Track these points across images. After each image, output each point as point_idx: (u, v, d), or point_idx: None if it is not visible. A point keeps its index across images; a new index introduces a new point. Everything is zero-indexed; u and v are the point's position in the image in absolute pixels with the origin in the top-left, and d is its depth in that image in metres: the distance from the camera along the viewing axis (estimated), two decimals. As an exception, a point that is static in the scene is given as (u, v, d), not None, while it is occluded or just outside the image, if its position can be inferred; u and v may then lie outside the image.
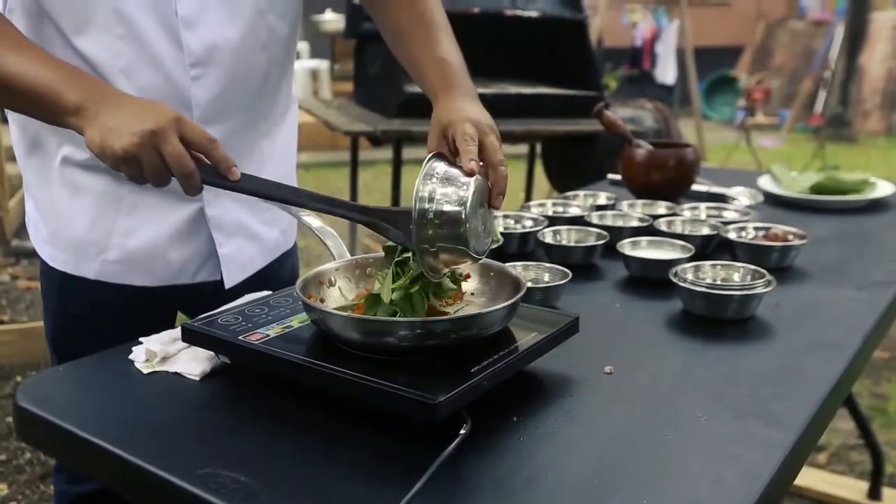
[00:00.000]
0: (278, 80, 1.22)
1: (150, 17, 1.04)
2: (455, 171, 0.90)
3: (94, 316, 1.20)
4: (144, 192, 1.14)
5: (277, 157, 1.28)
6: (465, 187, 0.87)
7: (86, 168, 1.13)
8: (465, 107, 1.07)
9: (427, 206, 0.86)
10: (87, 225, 1.15)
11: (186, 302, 1.24)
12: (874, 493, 2.27)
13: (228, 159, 0.93)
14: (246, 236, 1.24)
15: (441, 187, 0.87)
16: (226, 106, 1.13)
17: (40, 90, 0.93)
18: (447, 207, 0.86)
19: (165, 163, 0.90)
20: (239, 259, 1.23)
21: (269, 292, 1.06)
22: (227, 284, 1.22)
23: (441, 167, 0.90)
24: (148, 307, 1.19)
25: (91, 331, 1.19)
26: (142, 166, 0.90)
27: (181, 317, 1.21)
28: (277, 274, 1.32)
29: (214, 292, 1.20)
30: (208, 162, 0.92)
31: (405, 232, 0.89)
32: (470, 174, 0.90)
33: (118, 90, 0.98)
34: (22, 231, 4.02)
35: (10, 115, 1.15)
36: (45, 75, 0.93)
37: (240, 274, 1.24)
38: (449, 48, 1.20)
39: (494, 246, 1.28)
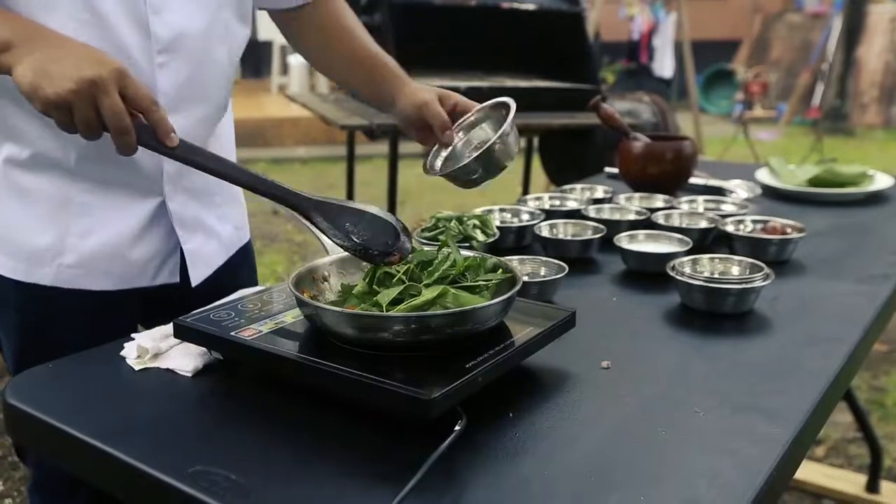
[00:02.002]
0: (230, 79, 1.21)
1: (117, 3, 1.01)
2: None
3: (55, 327, 1.13)
4: (98, 190, 1.10)
5: (228, 156, 1.28)
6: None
7: (32, 168, 1.08)
8: (432, 88, 1.26)
9: (498, 146, 1.13)
10: (38, 229, 1.09)
11: (147, 309, 1.20)
12: (872, 486, 2.27)
13: (168, 123, 0.90)
14: (205, 232, 1.21)
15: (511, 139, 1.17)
16: (190, 96, 1.11)
17: None
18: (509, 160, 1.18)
19: (100, 116, 0.86)
20: (202, 255, 1.20)
21: (261, 287, 1.05)
22: (194, 282, 1.19)
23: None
24: (109, 315, 1.14)
25: (55, 344, 1.07)
26: (73, 115, 0.86)
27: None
28: (235, 271, 1.29)
29: (175, 296, 1.17)
30: (145, 122, 0.89)
31: (340, 228, 0.93)
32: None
33: (58, 33, 0.92)
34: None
35: None
36: None
37: (205, 270, 1.21)
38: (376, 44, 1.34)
39: (490, 240, 1.28)
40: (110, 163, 1.05)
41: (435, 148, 1.24)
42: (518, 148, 1.19)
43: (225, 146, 1.28)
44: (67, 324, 1.14)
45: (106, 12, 1.01)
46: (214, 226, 1.24)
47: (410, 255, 0.94)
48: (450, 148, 1.22)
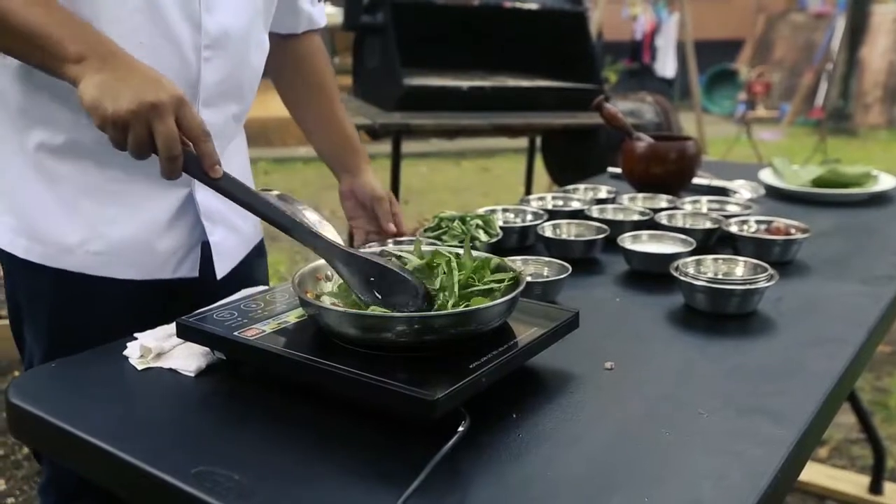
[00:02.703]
0: (255, 86, 1.25)
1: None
2: None
3: (81, 314, 1.14)
4: (128, 179, 1.12)
5: (241, 152, 1.31)
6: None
7: (64, 154, 1.09)
8: (375, 183, 1.42)
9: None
10: (67, 215, 1.10)
11: (167, 302, 1.18)
12: (875, 487, 2.27)
13: (215, 155, 0.92)
14: (228, 226, 1.23)
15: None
16: (228, 92, 1.16)
17: (43, 32, 0.91)
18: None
19: (153, 139, 0.89)
20: (225, 248, 1.22)
21: (264, 287, 1.05)
22: (219, 275, 1.21)
23: None
24: (134, 305, 1.14)
25: (80, 331, 1.10)
26: (128, 135, 0.89)
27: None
28: (252, 268, 1.31)
29: (195, 290, 1.18)
30: (193, 150, 0.92)
31: (362, 279, 0.91)
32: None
33: (126, 53, 0.95)
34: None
35: None
36: (52, 19, 0.92)
37: (228, 263, 1.23)
38: (348, 120, 1.45)
39: (493, 240, 1.28)
40: None
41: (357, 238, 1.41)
42: None
43: (238, 156, 1.31)
44: (92, 311, 1.15)
45: (162, 4, 1.04)
46: (236, 221, 1.25)
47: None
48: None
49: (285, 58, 1.38)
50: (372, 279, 0.91)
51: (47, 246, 1.12)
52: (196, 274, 1.20)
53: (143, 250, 1.15)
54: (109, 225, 1.12)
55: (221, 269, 1.21)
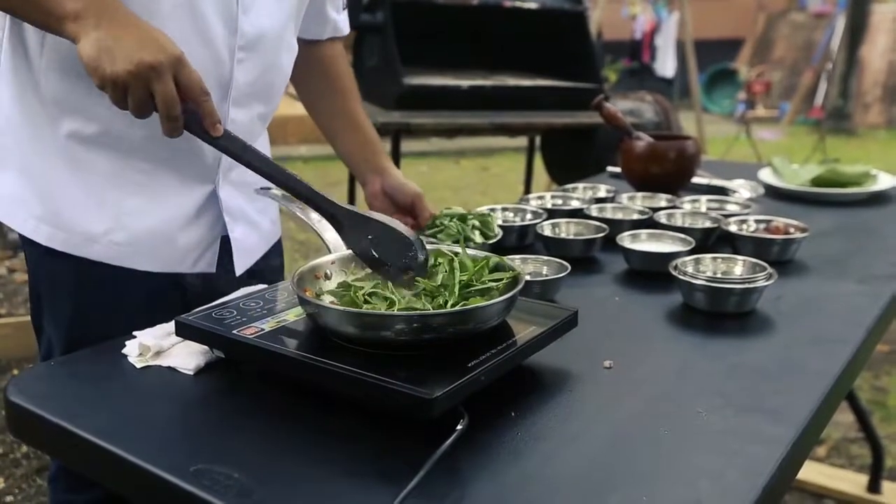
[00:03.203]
0: (283, 88, 1.26)
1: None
2: None
3: (108, 302, 1.14)
4: (156, 172, 1.13)
5: (263, 150, 1.30)
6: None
7: (95, 144, 1.09)
8: (401, 178, 1.40)
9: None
10: (93, 204, 1.11)
11: (185, 296, 1.20)
12: (874, 486, 2.27)
13: (216, 114, 0.93)
14: (248, 223, 1.24)
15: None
16: (258, 92, 1.17)
17: None
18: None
19: (153, 100, 0.90)
20: (245, 244, 1.23)
21: (263, 286, 1.05)
22: (238, 271, 1.22)
23: None
24: (150, 297, 1.15)
25: (110, 323, 1.07)
26: (128, 95, 0.89)
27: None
28: (268, 266, 1.32)
29: (211, 284, 1.19)
30: (194, 110, 0.93)
31: (361, 237, 0.95)
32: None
33: (126, 8, 0.95)
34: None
35: (3, 82, 1.11)
36: None
37: (247, 260, 1.24)
38: (364, 115, 1.46)
39: (492, 241, 1.28)
40: (173, 145, 1.07)
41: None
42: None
43: (263, 146, 1.33)
44: (112, 301, 1.15)
45: (200, 3, 1.05)
46: (255, 217, 1.26)
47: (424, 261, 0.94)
48: None
49: (309, 64, 1.38)
50: (370, 237, 0.93)
51: (71, 234, 1.11)
52: (213, 269, 1.21)
53: (164, 243, 1.15)
54: (133, 216, 1.12)
55: (241, 265, 1.22)
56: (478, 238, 1.29)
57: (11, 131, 1.12)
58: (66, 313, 1.15)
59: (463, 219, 1.33)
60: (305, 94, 1.44)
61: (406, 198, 1.38)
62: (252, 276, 1.25)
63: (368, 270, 0.98)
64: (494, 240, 1.31)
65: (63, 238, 1.12)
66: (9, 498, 2.27)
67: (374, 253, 0.94)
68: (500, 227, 1.37)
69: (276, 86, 1.22)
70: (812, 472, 2.34)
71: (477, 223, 1.32)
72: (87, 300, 1.15)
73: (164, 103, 0.90)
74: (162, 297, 1.16)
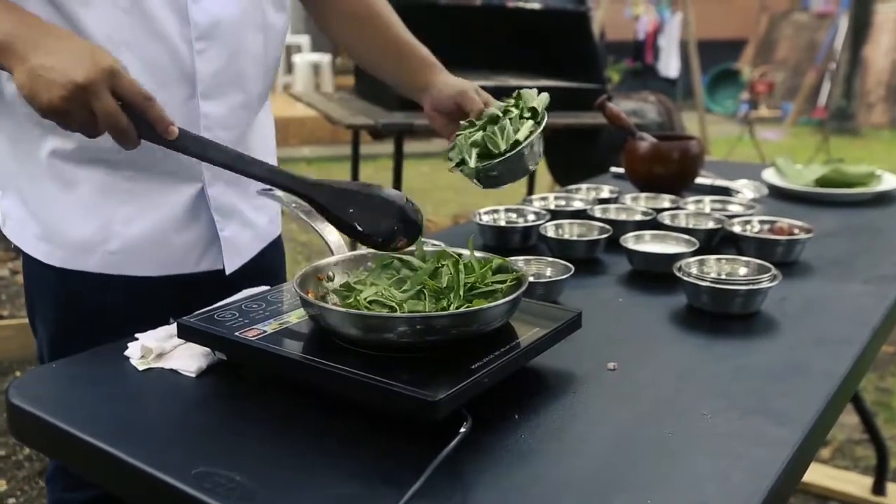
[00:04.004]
0: (271, 67, 1.22)
1: None
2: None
3: (98, 312, 1.16)
4: (140, 178, 1.12)
5: (262, 149, 1.29)
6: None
7: (76, 161, 1.10)
8: (464, 82, 1.26)
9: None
10: (83, 217, 1.12)
11: (191, 294, 1.22)
12: (878, 488, 2.26)
13: (165, 119, 0.90)
14: (241, 221, 1.23)
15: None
16: (227, 82, 1.13)
17: None
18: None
19: (96, 118, 0.88)
20: (237, 244, 1.22)
21: (266, 287, 1.05)
22: (228, 270, 1.21)
23: None
24: (152, 301, 1.16)
25: (97, 329, 1.11)
26: (70, 120, 0.88)
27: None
28: (269, 262, 1.31)
29: (216, 283, 1.18)
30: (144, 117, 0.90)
31: (343, 212, 0.94)
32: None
33: (51, 26, 0.93)
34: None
35: None
36: None
37: (238, 259, 1.23)
38: (408, 32, 1.32)
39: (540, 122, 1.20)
40: (152, 151, 1.06)
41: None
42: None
43: (269, 143, 1.30)
44: (111, 308, 1.15)
45: (147, 1, 1.03)
46: (250, 215, 1.25)
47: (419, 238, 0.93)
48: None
49: (325, 4, 1.32)
50: (351, 210, 0.91)
51: (67, 249, 1.13)
52: (220, 266, 1.21)
53: (159, 246, 1.15)
54: (125, 224, 1.13)
55: (231, 264, 1.21)
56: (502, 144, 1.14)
57: (3, 155, 1.14)
58: (54, 320, 1.17)
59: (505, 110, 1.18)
60: (336, 36, 1.36)
61: (450, 104, 1.24)
62: (253, 272, 1.24)
63: (368, 270, 0.97)
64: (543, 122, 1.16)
65: (61, 255, 1.13)
66: (11, 500, 2.27)
67: (359, 227, 0.90)
68: (503, 228, 1.36)
69: (249, 70, 1.16)
70: (816, 474, 2.33)
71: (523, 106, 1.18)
72: (80, 307, 1.16)
73: (106, 120, 0.87)
74: (164, 299, 1.16)
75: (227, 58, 1.12)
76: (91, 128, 0.89)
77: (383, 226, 0.90)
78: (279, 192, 1.08)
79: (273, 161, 1.35)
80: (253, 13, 1.14)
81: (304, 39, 9.69)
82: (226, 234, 1.20)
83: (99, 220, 1.12)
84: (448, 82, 1.26)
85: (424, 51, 1.30)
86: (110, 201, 1.12)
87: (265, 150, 1.31)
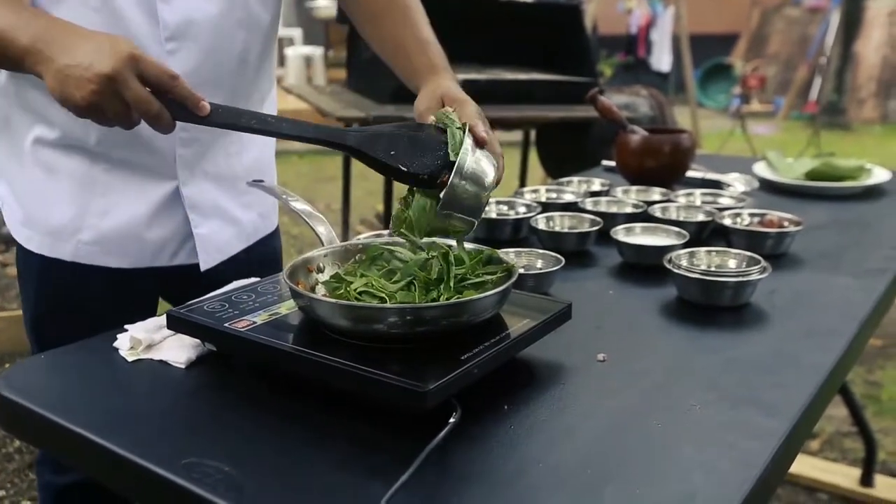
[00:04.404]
0: (257, 64, 1.21)
1: None
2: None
3: (74, 301, 1.18)
4: (118, 171, 1.13)
5: (257, 143, 1.27)
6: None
7: (59, 148, 1.11)
8: (457, 88, 1.08)
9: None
10: (62, 206, 1.13)
11: (167, 286, 1.23)
12: (866, 480, 2.27)
13: (194, 94, 0.90)
14: (223, 218, 1.22)
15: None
16: (203, 82, 1.10)
17: None
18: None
19: (129, 107, 0.87)
20: (215, 241, 1.22)
21: (256, 279, 1.04)
22: (203, 267, 1.21)
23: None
24: (127, 291, 1.18)
25: (72, 317, 1.17)
26: (106, 113, 0.87)
27: (164, 305, 1.20)
28: (259, 258, 1.30)
29: (195, 277, 1.19)
30: (174, 98, 0.89)
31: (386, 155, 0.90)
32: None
33: (73, 25, 0.92)
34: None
35: None
36: (1, 19, 0.90)
37: (216, 256, 1.22)
38: (428, 29, 1.21)
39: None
40: (127, 145, 1.08)
41: None
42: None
43: (257, 138, 1.27)
44: (86, 297, 1.18)
45: (116, 1, 1.02)
46: (236, 213, 1.25)
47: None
48: None
49: (359, 4, 1.26)
50: (393, 152, 0.90)
51: (43, 235, 1.15)
52: (196, 260, 1.21)
53: (132, 240, 1.16)
54: (99, 216, 1.14)
55: (206, 261, 1.21)
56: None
57: None
58: (37, 303, 1.20)
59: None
60: (366, 39, 1.31)
61: (437, 98, 1.07)
62: (240, 267, 1.23)
63: (359, 260, 0.97)
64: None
65: (38, 240, 1.16)
66: (1, 493, 2.27)
67: (402, 167, 0.88)
68: (494, 219, 1.36)
69: (228, 69, 1.15)
70: (805, 466, 2.34)
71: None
72: (59, 293, 1.19)
73: (138, 106, 0.87)
74: (136, 287, 1.19)
75: (202, 57, 1.10)
76: (126, 118, 0.88)
77: (425, 162, 0.88)
78: (267, 184, 1.08)
79: (271, 153, 1.34)
80: (234, 10, 1.12)
81: (296, 32, 9.65)
82: (201, 231, 1.20)
83: (74, 209, 1.13)
84: (430, 87, 1.11)
85: (431, 54, 1.19)
86: (87, 192, 1.13)
87: (263, 142, 1.30)
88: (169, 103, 0.89)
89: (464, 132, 0.92)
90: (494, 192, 0.97)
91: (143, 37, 1.05)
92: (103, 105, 0.86)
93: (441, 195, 0.89)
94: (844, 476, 2.32)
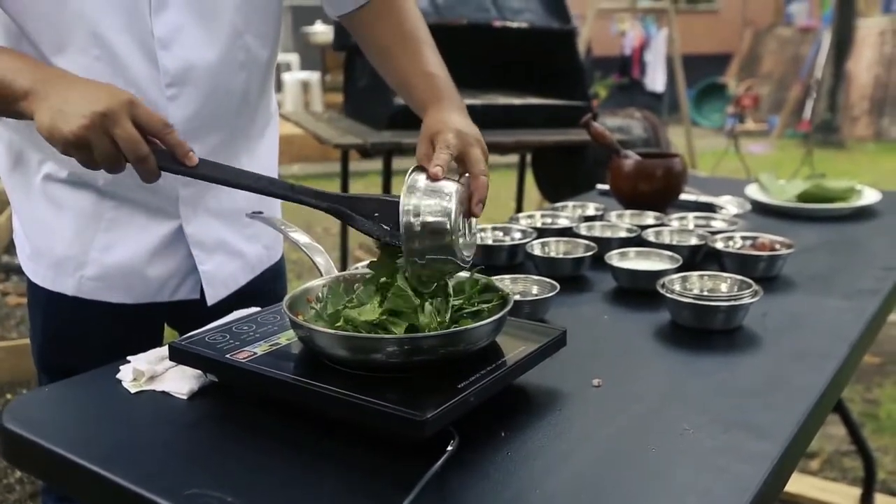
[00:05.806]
0: (257, 99, 1.22)
1: (127, 39, 1.04)
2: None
3: (77, 333, 1.20)
4: (123, 208, 1.15)
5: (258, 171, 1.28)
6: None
7: (68, 184, 1.14)
8: (452, 118, 1.07)
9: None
10: (67, 241, 1.15)
11: (170, 319, 1.25)
12: (866, 499, 2.27)
13: (184, 144, 0.91)
14: (227, 253, 1.24)
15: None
16: (203, 125, 1.13)
17: None
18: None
19: (118, 147, 0.88)
20: (220, 276, 1.23)
21: (256, 309, 1.06)
22: (210, 301, 1.22)
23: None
24: (130, 325, 1.19)
25: (75, 348, 1.20)
26: (93, 151, 0.88)
27: (171, 333, 1.21)
28: (264, 289, 1.31)
29: (198, 310, 1.20)
30: (164, 147, 0.91)
31: (369, 219, 0.91)
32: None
33: (72, 74, 0.95)
34: (11, 247, 3.99)
35: None
36: (4, 63, 0.92)
37: (222, 291, 1.24)
38: (435, 62, 1.21)
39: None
40: (132, 185, 1.09)
41: None
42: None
43: (257, 167, 1.26)
44: (90, 330, 1.20)
45: (116, 48, 1.04)
46: (240, 246, 1.26)
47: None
48: None
49: (357, 32, 1.27)
50: (377, 215, 0.91)
51: (48, 270, 1.18)
52: (197, 296, 1.23)
53: (134, 277, 1.18)
54: (103, 252, 1.16)
55: (213, 295, 1.23)
56: None
57: (7, 178, 1.19)
58: (42, 333, 1.23)
59: None
60: (371, 56, 1.29)
61: (426, 142, 1.05)
62: (242, 299, 1.24)
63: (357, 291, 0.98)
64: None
65: (43, 274, 1.18)
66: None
67: (386, 227, 0.89)
68: (490, 246, 1.38)
69: (229, 110, 1.16)
70: (805, 486, 2.34)
71: None
72: (62, 325, 1.21)
73: (128, 146, 0.88)
74: (138, 322, 1.20)
75: (202, 101, 1.11)
76: (112, 158, 0.89)
77: (386, 224, 0.90)
78: (266, 216, 1.09)
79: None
80: (233, 53, 1.12)
81: (293, 57, 9.72)
82: (206, 267, 1.21)
83: (79, 244, 1.16)
84: (426, 125, 1.09)
85: (434, 87, 1.17)
86: (92, 227, 1.15)
87: (265, 172, 1.30)
88: (157, 153, 0.90)
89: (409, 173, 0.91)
90: (492, 219, 0.98)
91: (144, 83, 1.06)
92: (92, 141, 0.87)
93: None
94: (844, 496, 2.32)
